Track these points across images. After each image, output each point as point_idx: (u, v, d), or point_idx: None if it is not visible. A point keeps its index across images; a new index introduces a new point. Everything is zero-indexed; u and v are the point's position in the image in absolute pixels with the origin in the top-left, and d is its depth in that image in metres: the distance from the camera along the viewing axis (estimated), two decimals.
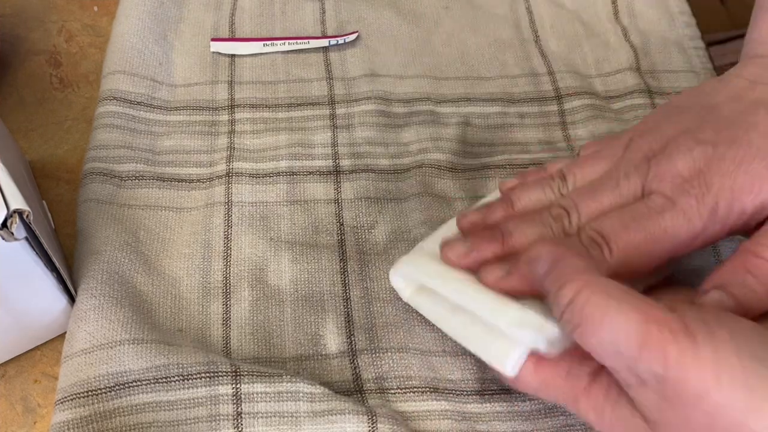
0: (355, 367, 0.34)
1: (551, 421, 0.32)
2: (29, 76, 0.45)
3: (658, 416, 0.24)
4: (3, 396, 0.34)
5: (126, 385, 0.31)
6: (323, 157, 0.41)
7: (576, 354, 0.27)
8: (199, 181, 0.40)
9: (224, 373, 0.32)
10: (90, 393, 0.31)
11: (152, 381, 0.31)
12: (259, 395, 0.32)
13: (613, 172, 0.30)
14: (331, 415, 0.31)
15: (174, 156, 0.41)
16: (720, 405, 0.22)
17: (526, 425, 0.32)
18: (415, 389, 0.33)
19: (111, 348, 0.32)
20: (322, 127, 0.42)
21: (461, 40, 0.46)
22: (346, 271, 0.37)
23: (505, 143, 0.42)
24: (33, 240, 0.29)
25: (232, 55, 0.45)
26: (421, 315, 0.35)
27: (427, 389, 0.33)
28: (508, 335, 0.28)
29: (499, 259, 0.30)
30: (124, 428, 0.31)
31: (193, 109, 0.42)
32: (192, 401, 0.32)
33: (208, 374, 0.32)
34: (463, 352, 0.34)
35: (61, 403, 0.31)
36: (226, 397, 0.32)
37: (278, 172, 0.40)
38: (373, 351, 0.34)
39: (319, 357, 0.34)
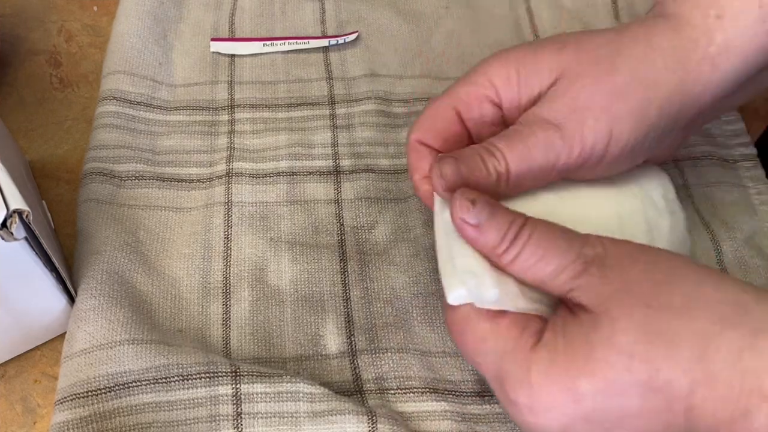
0: (355, 368, 0.34)
1: None
2: (29, 76, 0.45)
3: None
4: (3, 396, 0.34)
5: (126, 386, 0.31)
6: (323, 157, 0.41)
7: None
8: (199, 181, 0.40)
9: (224, 374, 0.32)
10: (90, 393, 0.31)
11: (152, 381, 0.31)
12: (259, 395, 0.32)
13: None
14: (331, 415, 0.31)
15: (174, 156, 0.41)
16: None
17: None
18: (415, 390, 0.33)
19: (111, 348, 0.32)
20: (322, 127, 0.42)
21: (461, 40, 0.46)
22: (346, 271, 0.37)
23: None
24: (33, 240, 0.29)
25: (232, 55, 0.45)
26: (421, 315, 0.35)
27: (427, 390, 0.33)
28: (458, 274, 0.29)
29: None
30: (123, 428, 0.31)
31: (193, 109, 0.42)
32: (192, 401, 0.32)
33: (208, 374, 0.32)
34: None
35: (61, 403, 0.31)
36: (226, 398, 0.32)
37: (278, 172, 0.40)
38: (373, 351, 0.34)
39: (319, 357, 0.34)
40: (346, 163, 0.40)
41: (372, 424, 0.31)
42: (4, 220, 0.27)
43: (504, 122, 0.32)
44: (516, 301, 0.28)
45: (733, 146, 0.41)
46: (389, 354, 0.34)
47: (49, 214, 0.38)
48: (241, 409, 0.31)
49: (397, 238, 0.38)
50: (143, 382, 0.31)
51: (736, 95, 0.32)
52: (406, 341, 0.35)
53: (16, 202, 0.28)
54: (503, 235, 0.27)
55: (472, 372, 0.34)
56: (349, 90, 0.44)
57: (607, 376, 0.25)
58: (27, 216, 0.28)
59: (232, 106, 0.43)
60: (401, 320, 0.35)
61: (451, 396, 0.33)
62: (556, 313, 0.28)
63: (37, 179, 0.41)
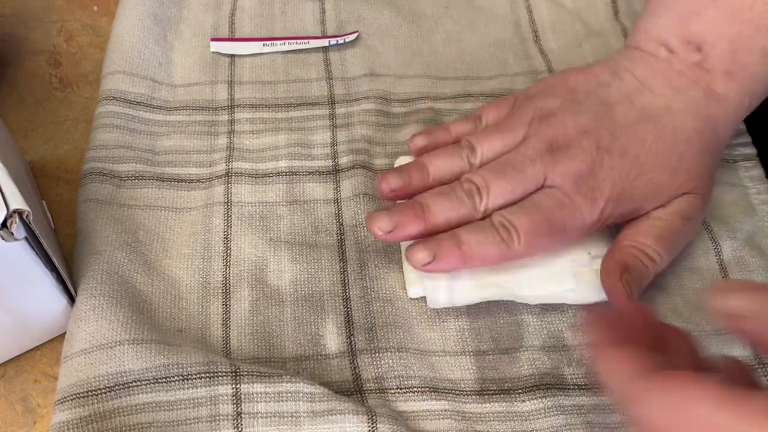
0: (354, 367, 0.34)
1: (551, 420, 0.32)
2: (29, 76, 0.45)
3: None
4: (3, 396, 0.34)
5: (126, 385, 0.31)
6: (323, 157, 0.41)
7: None
8: (198, 181, 0.40)
9: (224, 373, 0.32)
10: (90, 393, 0.31)
11: (152, 381, 0.31)
12: (259, 395, 0.32)
13: (520, 153, 0.35)
14: (331, 415, 0.31)
15: (174, 156, 0.41)
16: None
17: (526, 425, 0.32)
18: (415, 389, 0.33)
19: (111, 348, 0.32)
20: (321, 127, 0.42)
21: (461, 40, 0.46)
22: (346, 270, 0.37)
23: None
24: (33, 240, 0.29)
25: (232, 55, 0.45)
26: (420, 315, 0.35)
27: (427, 389, 0.33)
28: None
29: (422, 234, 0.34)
30: (123, 428, 0.31)
31: (192, 109, 0.43)
32: (192, 401, 0.32)
33: (208, 374, 0.32)
34: (463, 352, 0.34)
35: (61, 403, 0.31)
36: (226, 397, 0.32)
37: (278, 172, 0.40)
38: (373, 351, 0.34)
39: (319, 357, 0.34)
40: (345, 162, 0.40)
41: (372, 424, 0.31)
42: (4, 220, 0.27)
43: None
44: (469, 294, 0.34)
45: (733, 146, 0.41)
46: (389, 353, 0.34)
47: (49, 214, 0.38)
48: (241, 409, 0.31)
49: None
50: (143, 382, 0.31)
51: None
52: (406, 341, 0.35)
53: (16, 202, 0.28)
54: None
55: (471, 371, 0.34)
56: (348, 90, 0.44)
57: None
58: (27, 216, 0.28)
59: (231, 106, 0.43)
60: (401, 320, 0.35)
61: (450, 395, 0.33)
62: None
63: (37, 179, 0.41)
